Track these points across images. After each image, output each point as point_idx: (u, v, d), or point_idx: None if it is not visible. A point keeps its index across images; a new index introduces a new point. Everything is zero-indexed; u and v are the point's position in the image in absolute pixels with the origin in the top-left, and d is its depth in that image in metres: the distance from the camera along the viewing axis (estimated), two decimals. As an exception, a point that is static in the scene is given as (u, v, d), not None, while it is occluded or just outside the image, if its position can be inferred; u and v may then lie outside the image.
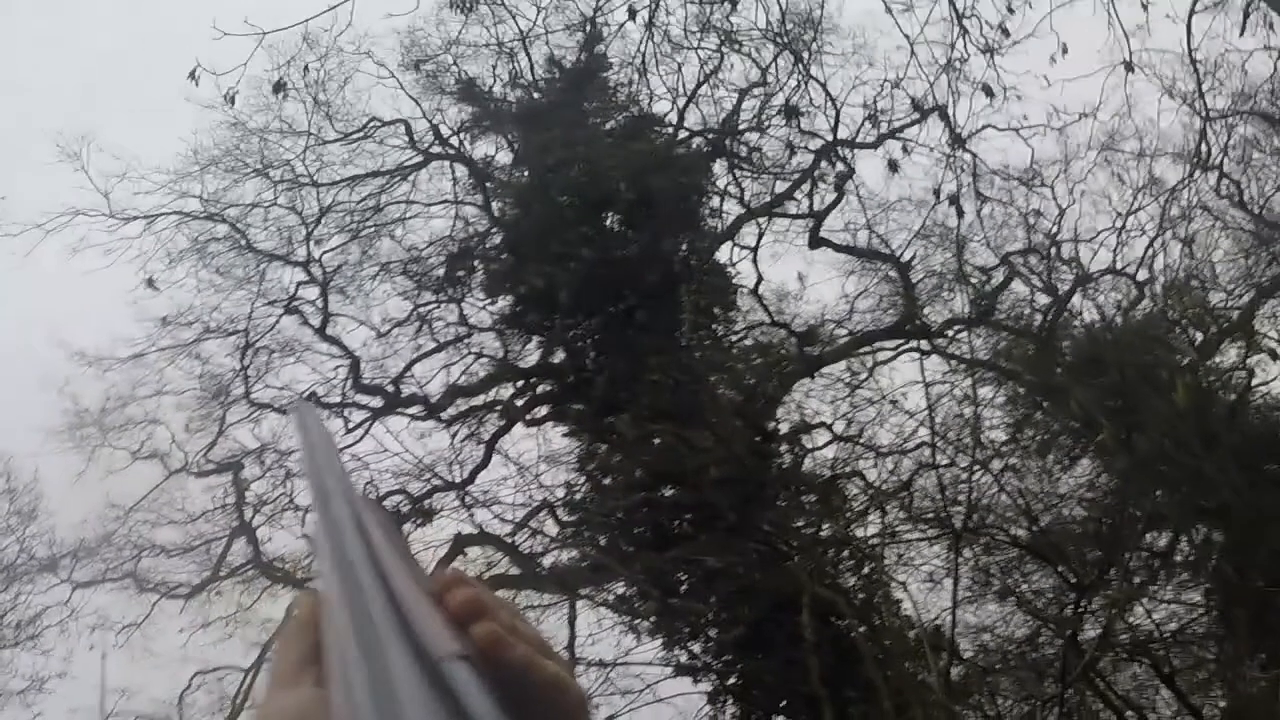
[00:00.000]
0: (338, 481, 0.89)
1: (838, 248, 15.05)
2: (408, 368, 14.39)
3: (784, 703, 13.79)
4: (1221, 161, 14.64)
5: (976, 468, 14.44)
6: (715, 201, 14.92)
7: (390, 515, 0.98)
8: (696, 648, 13.84)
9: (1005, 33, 11.68)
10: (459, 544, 13.66)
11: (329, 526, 0.82)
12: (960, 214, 14.43)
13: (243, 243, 15.00)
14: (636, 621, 13.84)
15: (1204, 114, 13.95)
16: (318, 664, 0.73)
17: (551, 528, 13.73)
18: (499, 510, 13.45)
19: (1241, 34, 12.37)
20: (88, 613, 15.79)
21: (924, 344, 14.85)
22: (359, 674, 0.64)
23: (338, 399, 14.46)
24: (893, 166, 14.57)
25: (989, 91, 14.58)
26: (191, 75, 10.26)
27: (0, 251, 15.27)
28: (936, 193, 14.54)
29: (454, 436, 13.91)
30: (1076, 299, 16.23)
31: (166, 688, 15.19)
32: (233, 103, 11.51)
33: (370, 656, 0.64)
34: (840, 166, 15.04)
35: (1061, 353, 16.18)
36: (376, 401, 14.49)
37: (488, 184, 14.91)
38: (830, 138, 15.00)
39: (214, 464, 14.94)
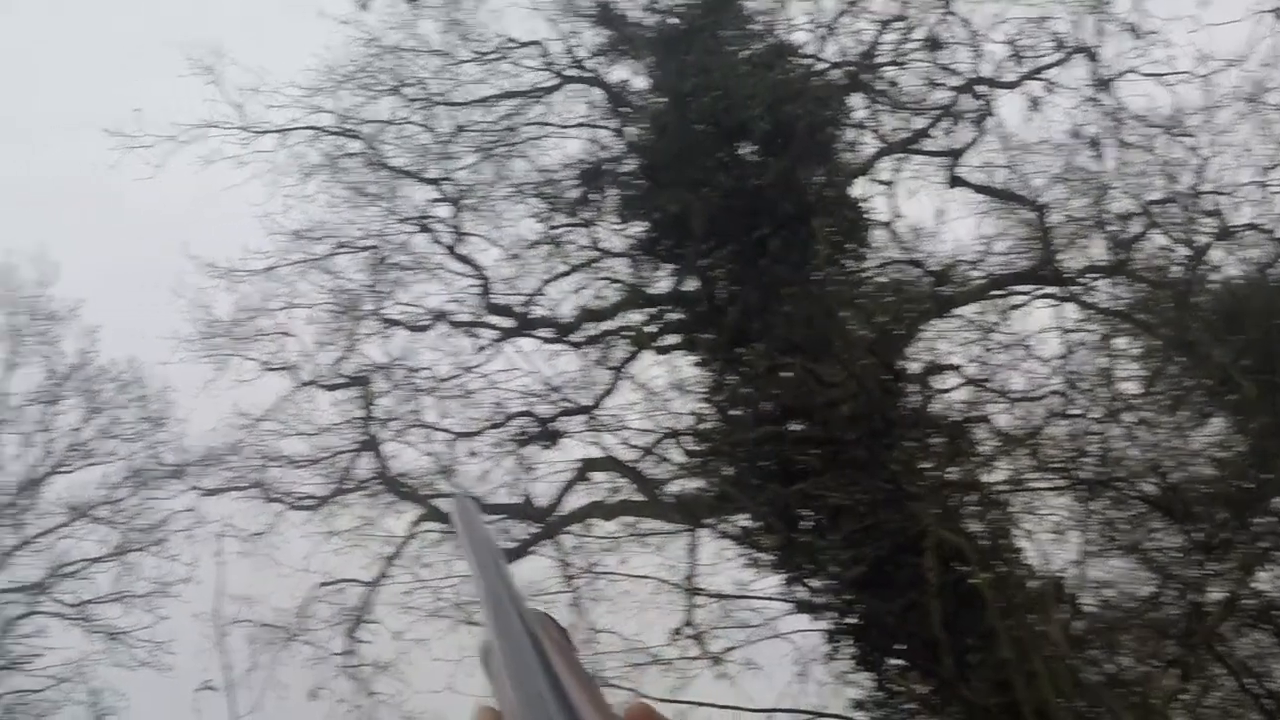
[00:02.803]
0: (506, 591, 0.86)
1: (975, 187, 14.68)
2: (539, 289, 14.40)
3: (902, 645, 13.69)
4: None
5: (1108, 419, 14.12)
6: (851, 135, 14.64)
7: (562, 628, 0.94)
8: (817, 585, 13.77)
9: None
10: (585, 468, 13.69)
11: (506, 642, 0.79)
12: (1101, 158, 14.05)
13: (375, 159, 15.06)
14: (758, 555, 13.79)
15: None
16: None
17: (677, 456, 13.68)
18: (625, 436, 13.41)
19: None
20: (213, 520, 16.19)
21: (1059, 290, 14.50)
22: None
23: (468, 318, 14.52)
24: (1035, 105, 14.19)
25: (1135, 31, 14.12)
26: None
27: (135, 162, 15.54)
28: (1077, 134, 14.16)
29: (583, 360, 13.91)
30: (1216, 253, 15.74)
31: (288, 598, 15.50)
32: (365, 8, 11.41)
33: None
34: (980, 104, 14.66)
35: (1199, 307, 15.71)
36: (507, 322, 14.54)
37: (623, 109, 14.79)
38: (971, 75, 14.64)
39: (343, 377, 15.09)
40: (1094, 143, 13.34)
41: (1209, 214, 16.00)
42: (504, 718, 0.74)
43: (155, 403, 19.75)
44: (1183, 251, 15.74)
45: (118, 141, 15.29)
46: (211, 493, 16.29)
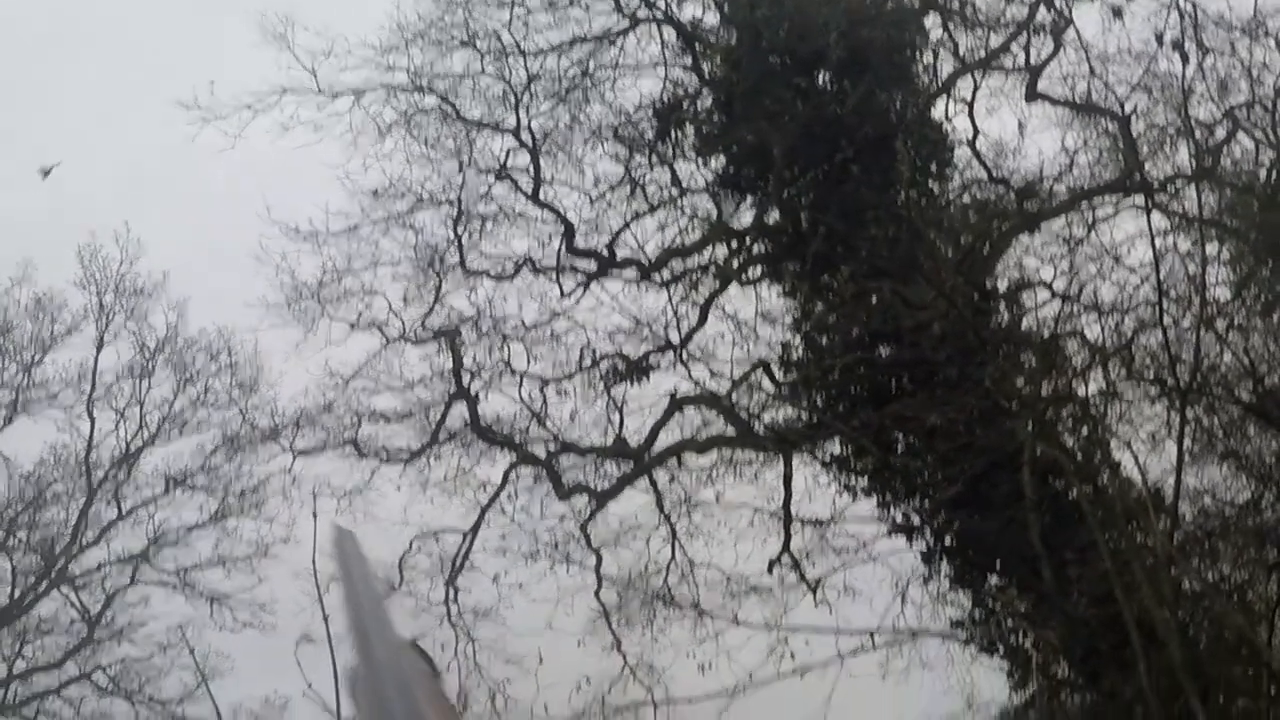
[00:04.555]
0: (376, 621, 0.90)
1: (1055, 101, 14.53)
2: (621, 230, 14.47)
3: (999, 563, 13.72)
4: None
5: (1200, 327, 13.98)
6: (928, 56, 14.53)
7: (429, 658, 0.97)
8: (912, 507, 13.83)
9: None
10: (675, 404, 13.81)
11: (371, 671, 0.82)
12: (1185, 60, 13.81)
13: (451, 113, 15.12)
14: (852, 480, 13.86)
15: None
16: None
17: (768, 386, 13.76)
18: (715, 369, 13.51)
19: None
20: (309, 480, 16.45)
21: (1145, 200, 14.33)
22: None
23: (552, 263, 14.63)
24: (1116, 14, 13.98)
25: (1214, -68, 13.86)
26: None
27: (212, 134, 15.71)
28: (1159, 38, 13.93)
29: (670, 298, 13.99)
30: (1304, 155, 15.47)
31: (387, 552, 15.73)
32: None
33: None
34: (1057, 16, 14.47)
35: (1287, 210, 15.46)
36: (591, 265, 14.63)
37: (696, 45, 14.76)
38: (1047, -14, 14.45)
39: (431, 332, 15.25)
40: (1176, 44, 13.10)
41: (1294, 116, 15.73)
42: None
43: (246, 369, 20.14)
44: (1268, 155, 15.51)
45: (194, 115, 15.41)
46: (306, 453, 16.50)
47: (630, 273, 14.53)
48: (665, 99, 14.71)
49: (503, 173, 14.88)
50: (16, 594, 20.86)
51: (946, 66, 14.60)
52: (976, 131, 14.38)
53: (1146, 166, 14.56)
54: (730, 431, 14.08)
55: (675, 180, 14.62)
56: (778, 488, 14.15)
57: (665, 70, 15.03)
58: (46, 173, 18.18)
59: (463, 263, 15.06)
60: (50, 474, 21.29)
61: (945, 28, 14.68)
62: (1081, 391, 13.99)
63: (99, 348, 21.21)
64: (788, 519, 14.15)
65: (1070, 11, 14.30)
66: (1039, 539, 12.38)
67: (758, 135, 13.24)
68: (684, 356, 13.80)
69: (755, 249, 14.37)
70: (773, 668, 12.94)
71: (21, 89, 24.66)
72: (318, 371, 15.66)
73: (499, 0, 15.06)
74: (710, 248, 14.51)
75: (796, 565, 14.27)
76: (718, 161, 14.26)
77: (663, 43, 15.16)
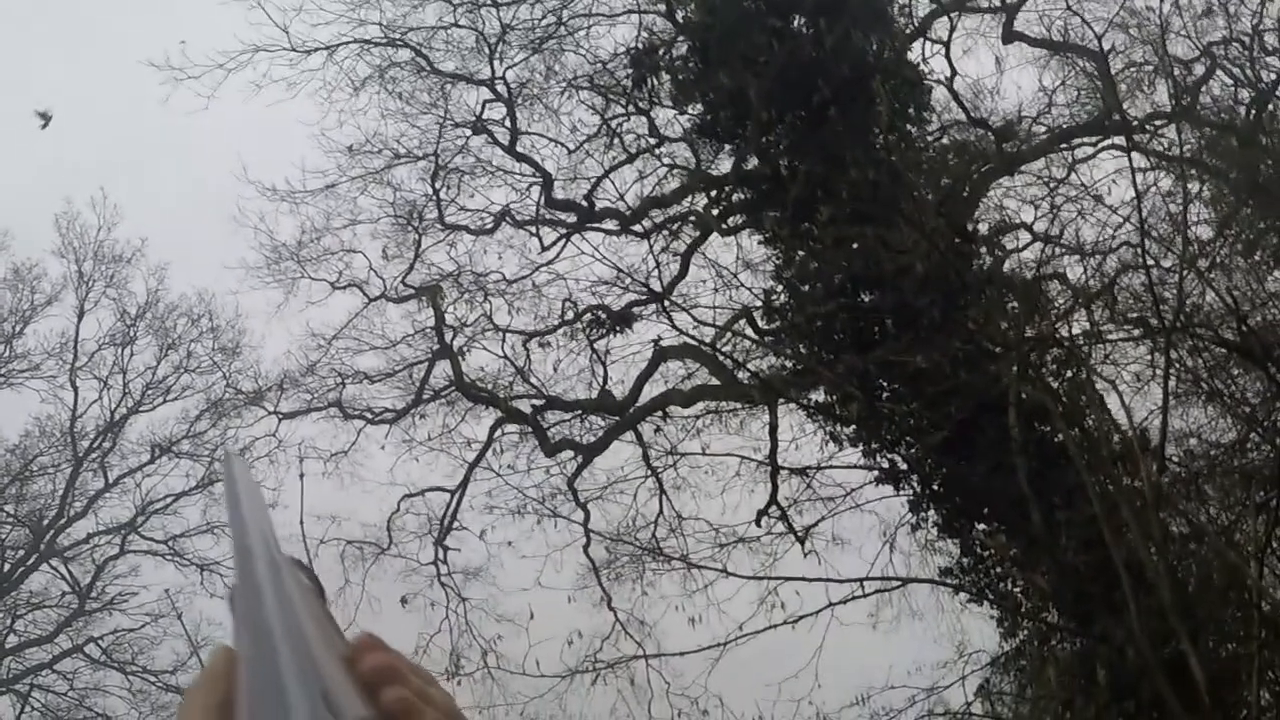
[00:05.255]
0: (261, 540, 0.87)
1: (1032, 41, 14.42)
2: (599, 180, 14.35)
3: (987, 508, 13.70)
4: None
5: (1182, 266, 13.93)
6: (904, -3, 14.37)
7: (314, 576, 0.98)
8: (899, 454, 13.79)
9: None
10: (659, 353, 13.74)
11: (248, 585, 0.80)
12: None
13: (425, 66, 14.97)
14: (838, 428, 13.81)
15: None
16: None
17: (751, 335, 13.68)
18: (698, 319, 13.43)
19: None
20: (294, 442, 16.41)
21: (1124, 140, 14.24)
22: None
23: (531, 216, 14.52)
24: (1090, -51, 13.86)
25: None
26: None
27: (185, 95, 15.55)
28: (1134, -25, 13.83)
29: (651, 248, 13.88)
30: (1281, 91, 15.42)
31: (375, 512, 15.74)
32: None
33: (277, 717, 0.64)
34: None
35: (1267, 148, 15.39)
36: (570, 217, 14.52)
37: (670, -10, 14.58)
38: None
39: (412, 289, 15.18)
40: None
41: (1271, 53, 15.65)
42: (238, 657, 0.76)
43: (227, 333, 20.09)
44: (1247, 93, 15.44)
45: (166, 75, 15.30)
46: (291, 416, 16.48)
47: (610, 224, 14.43)
48: (640, 46, 14.56)
49: (479, 125, 14.75)
50: (6, 568, 20.82)
51: (922, 7, 14.48)
52: (954, 73, 14.29)
53: (1125, 105, 14.47)
54: (715, 382, 14.01)
55: (653, 129, 14.49)
56: (764, 438, 14.13)
57: (640, 17, 14.89)
58: (46, 120, 17.87)
59: (441, 218, 14.98)
60: (35, 446, 21.28)
61: (920, -33, 14.54)
62: (1065, 333, 13.96)
63: (80, 316, 21.17)
64: (774, 469, 14.10)
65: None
66: (1026, 483, 12.36)
67: (734, 80, 13.09)
68: (667, 306, 13.72)
69: (735, 197, 14.26)
70: (763, 618, 12.94)
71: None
72: (300, 332, 15.68)
73: (469, -50, 14.90)
74: (690, 197, 14.42)
75: (784, 515, 14.24)
76: (695, 109, 14.13)
77: (637, -12, 14.98)
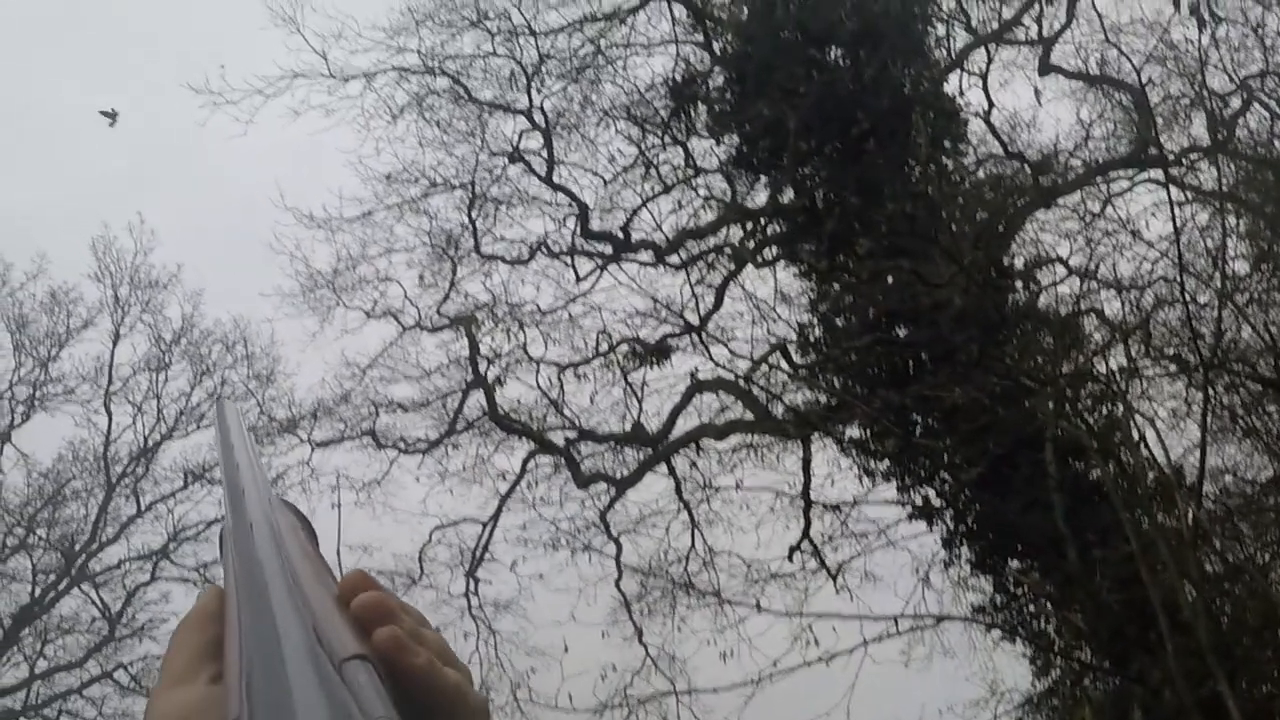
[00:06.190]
0: (253, 480, 0.88)
1: (1069, 74, 14.38)
2: (636, 212, 14.33)
3: (1021, 545, 13.56)
4: None
5: (1219, 301, 13.82)
6: (941, 29, 14.37)
7: (304, 517, 0.95)
8: (933, 490, 13.69)
9: None
10: (695, 386, 13.69)
11: (239, 525, 0.81)
12: (1201, 24, 13.66)
13: (463, 95, 15.01)
14: (872, 464, 13.72)
15: None
16: (215, 660, 0.73)
17: (786, 369, 13.63)
18: (734, 348, 13.39)
19: None
20: (327, 471, 16.37)
21: (1163, 173, 14.17)
22: (254, 672, 0.63)
23: (567, 247, 14.53)
24: (1130, -17, 13.83)
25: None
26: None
27: (223, 120, 15.62)
28: (1176, 3, 13.78)
29: (688, 280, 13.86)
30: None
31: (407, 543, 15.66)
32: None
33: (267, 655, 0.64)
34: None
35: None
36: (606, 248, 14.51)
37: (707, 22, 14.62)
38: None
39: (447, 318, 15.14)
40: (1193, 8, 12.95)
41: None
42: (229, 595, 0.75)
43: (262, 360, 20.07)
44: (1285, 127, 15.33)
45: (205, 99, 15.31)
46: (324, 444, 16.44)
47: (645, 255, 14.42)
48: (677, 77, 14.59)
49: (516, 154, 14.77)
50: (37, 592, 20.85)
51: (959, 39, 14.47)
52: (991, 105, 14.25)
53: (1162, 139, 14.41)
54: (749, 416, 13.95)
55: (689, 160, 14.49)
56: (797, 472, 14.04)
57: (677, 48, 14.91)
58: (112, 118, 17.84)
59: (477, 247, 14.95)
60: (69, 470, 21.29)
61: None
62: (1102, 369, 13.85)
63: (115, 341, 21.19)
64: (807, 504, 14.02)
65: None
66: (1062, 520, 12.25)
67: (771, 111, 13.10)
68: (703, 338, 13.66)
69: (770, 229, 14.23)
70: (796, 655, 12.83)
71: (28, 78, 24.67)
72: (334, 361, 15.64)
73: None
74: (725, 229, 14.40)
75: (817, 551, 14.15)
76: (731, 140, 14.14)
77: (673, 19, 15.06)
